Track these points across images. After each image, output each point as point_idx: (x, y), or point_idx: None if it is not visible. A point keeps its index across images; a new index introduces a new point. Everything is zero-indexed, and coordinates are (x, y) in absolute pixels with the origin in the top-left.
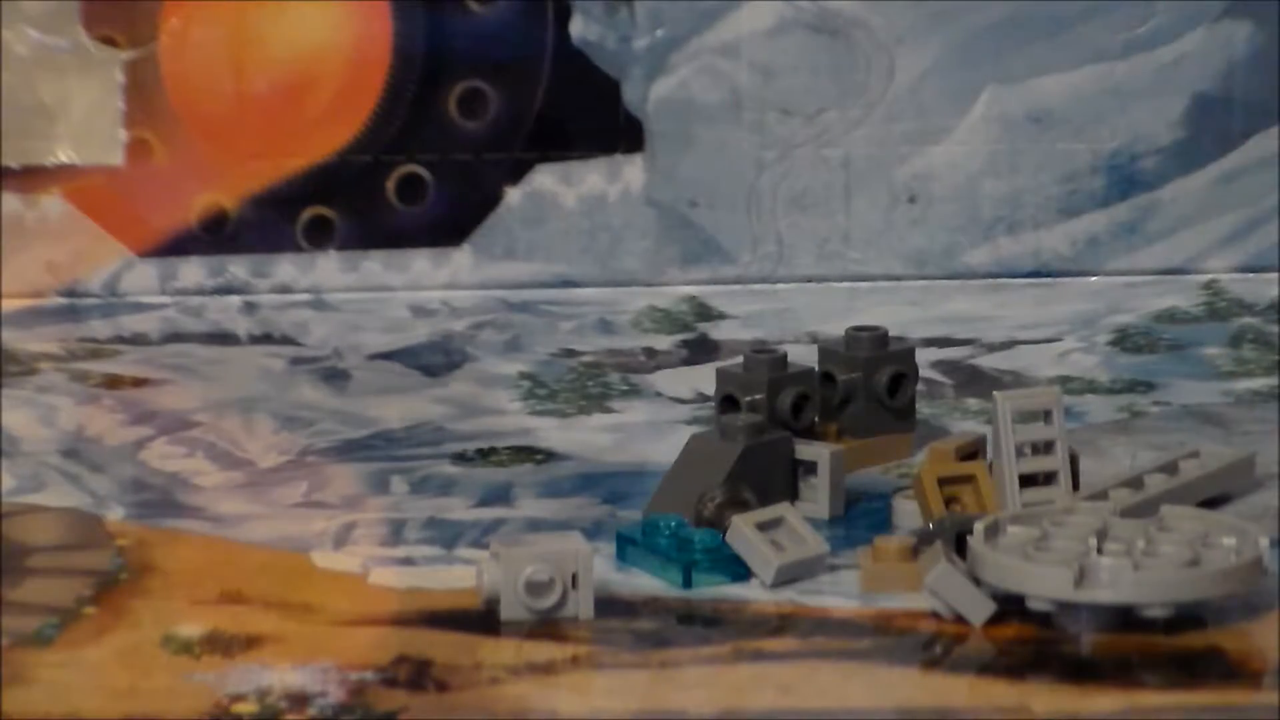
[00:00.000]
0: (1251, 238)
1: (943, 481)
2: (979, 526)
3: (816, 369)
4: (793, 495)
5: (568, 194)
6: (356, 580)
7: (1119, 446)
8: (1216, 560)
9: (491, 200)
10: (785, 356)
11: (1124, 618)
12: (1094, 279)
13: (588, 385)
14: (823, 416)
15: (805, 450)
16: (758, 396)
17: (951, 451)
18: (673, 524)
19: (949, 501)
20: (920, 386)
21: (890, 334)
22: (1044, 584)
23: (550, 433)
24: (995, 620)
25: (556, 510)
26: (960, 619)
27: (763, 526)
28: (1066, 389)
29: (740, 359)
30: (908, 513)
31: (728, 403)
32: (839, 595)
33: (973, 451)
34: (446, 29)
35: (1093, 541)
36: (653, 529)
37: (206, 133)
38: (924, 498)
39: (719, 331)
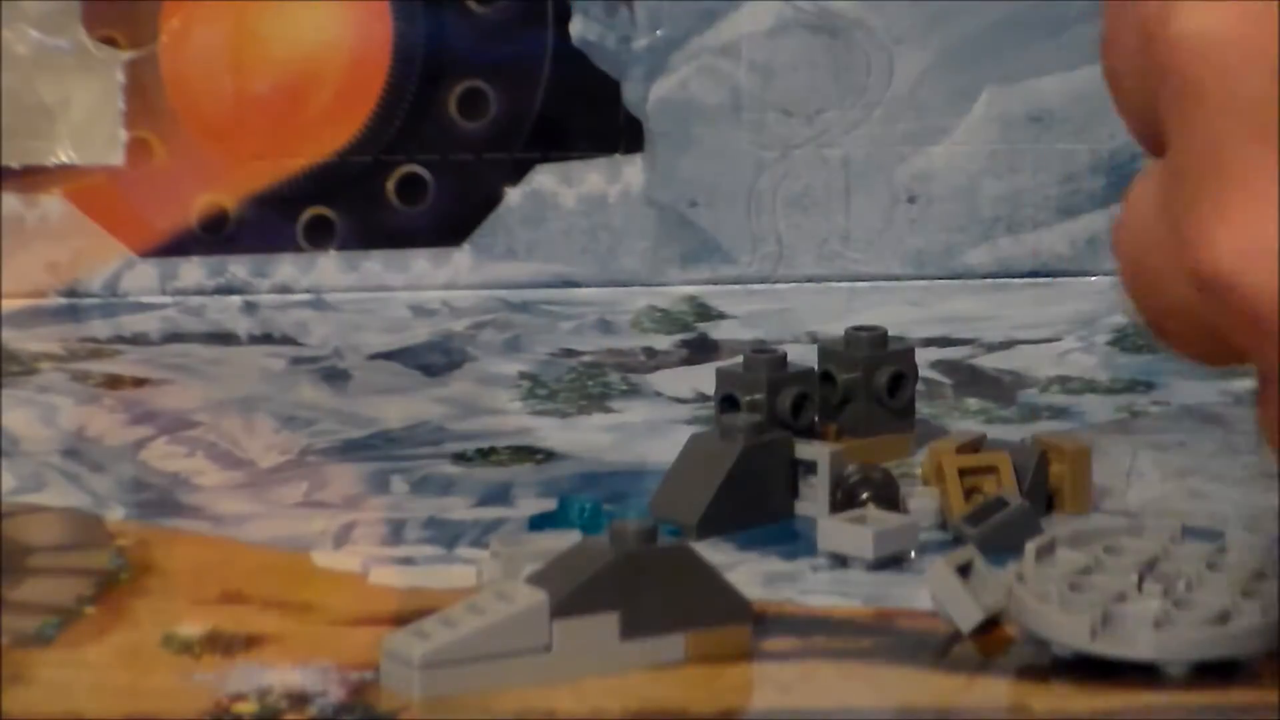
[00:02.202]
0: None
1: (963, 472)
2: (1030, 546)
3: (816, 369)
4: (792, 495)
5: (568, 194)
6: (357, 580)
7: (1118, 446)
8: (1246, 617)
9: (491, 200)
10: (785, 356)
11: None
12: (1094, 279)
13: (588, 385)
14: (822, 416)
15: (805, 450)
16: (758, 396)
17: (953, 449)
18: (587, 506)
19: (969, 492)
20: (920, 386)
21: (890, 334)
22: (1062, 630)
23: (550, 432)
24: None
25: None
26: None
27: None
28: (1066, 389)
29: (740, 359)
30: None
31: (728, 403)
32: (839, 595)
33: (974, 450)
34: (446, 29)
35: (1134, 578)
36: (566, 509)
37: (207, 133)
38: (945, 489)
39: (719, 331)
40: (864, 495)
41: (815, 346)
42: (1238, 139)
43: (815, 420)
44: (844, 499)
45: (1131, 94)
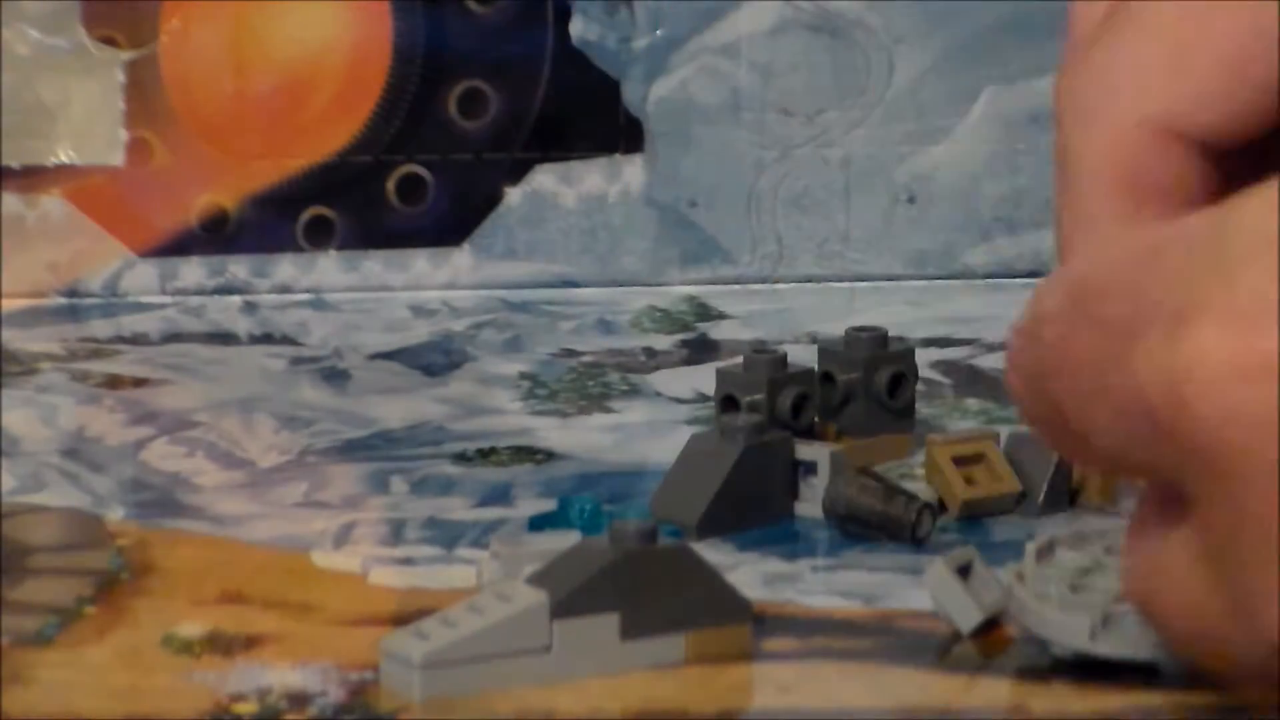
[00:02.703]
0: None
1: (957, 461)
2: (1031, 547)
3: (816, 369)
4: (793, 496)
5: (568, 194)
6: (356, 580)
7: None
8: None
9: (491, 200)
10: (785, 357)
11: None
12: None
13: (588, 385)
14: (822, 416)
15: (805, 450)
16: (758, 396)
17: (939, 443)
18: (587, 505)
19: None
20: (920, 386)
21: (890, 334)
22: (1062, 630)
23: (550, 433)
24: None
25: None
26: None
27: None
28: None
29: (740, 359)
30: None
31: (728, 403)
32: (839, 595)
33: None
34: (446, 29)
35: None
36: (566, 509)
37: (207, 133)
38: (944, 481)
39: (719, 331)
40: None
41: (815, 347)
42: None
43: (815, 421)
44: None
45: (1107, 453)
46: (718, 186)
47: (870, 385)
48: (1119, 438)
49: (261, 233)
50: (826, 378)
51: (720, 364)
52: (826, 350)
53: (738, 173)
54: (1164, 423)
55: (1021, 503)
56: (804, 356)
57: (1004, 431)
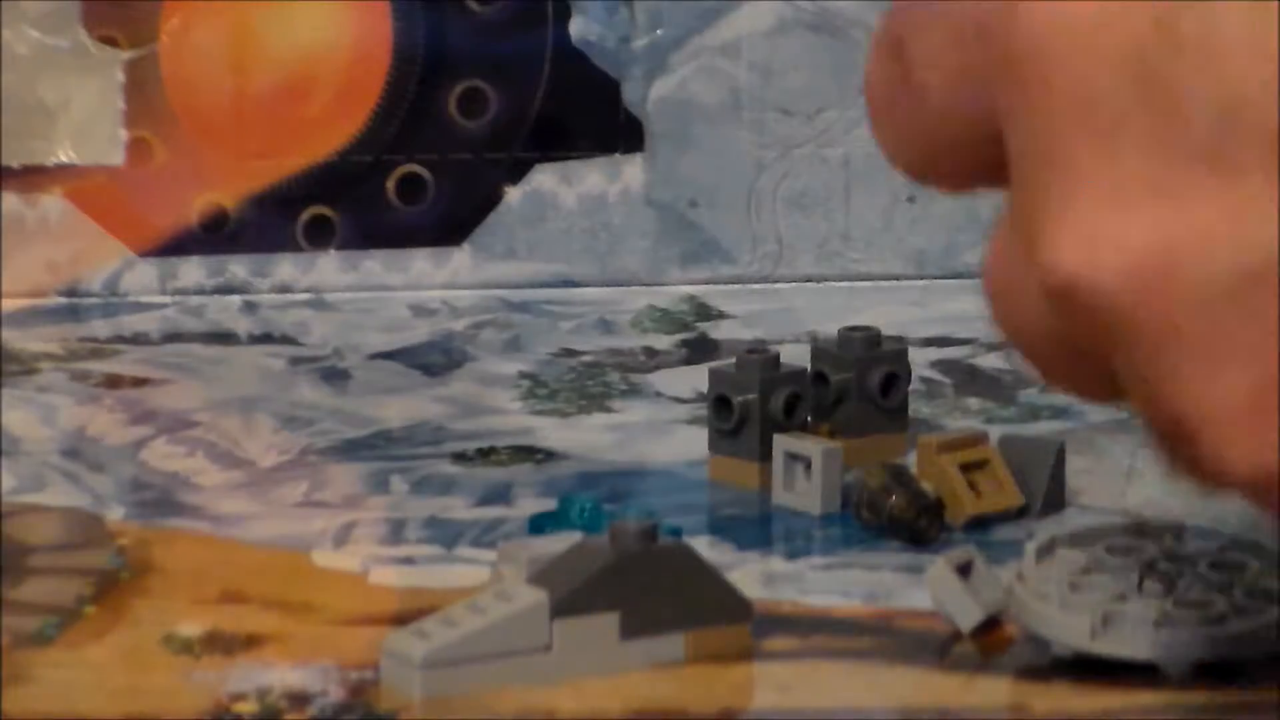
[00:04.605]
0: None
1: (962, 468)
2: (1030, 546)
3: (809, 369)
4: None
5: (568, 193)
6: (356, 580)
7: (1118, 446)
8: (1249, 617)
9: (491, 200)
10: (778, 357)
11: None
12: None
13: (588, 385)
14: (816, 417)
15: (798, 445)
16: (750, 397)
17: (934, 445)
18: (587, 505)
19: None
20: (920, 386)
21: (888, 333)
22: (1062, 630)
23: (550, 432)
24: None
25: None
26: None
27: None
28: None
29: (733, 359)
30: None
31: (720, 403)
32: (839, 595)
33: (970, 445)
34: (446, 28)
35: (1134, 578)
36: (566, 509)
37: (206, 132)
38: (951, 492)
39: (719, 331)
40: (892, 499)
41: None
42: (1078, 134)
43: (808, 421)
44: (869, 509)
45: (941, 102)
46: (718, 186)
47: (863, 385)
48: (950, 70)
49: (261, 232)
50: (820, 378)
51: (712, 364)
52: (820, 350)
53: (738, 172)
54: (994, 41)
55: (1022, 516)
56: (803, 356)
57: (996, 432)
